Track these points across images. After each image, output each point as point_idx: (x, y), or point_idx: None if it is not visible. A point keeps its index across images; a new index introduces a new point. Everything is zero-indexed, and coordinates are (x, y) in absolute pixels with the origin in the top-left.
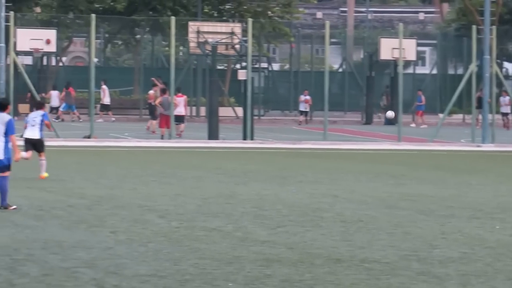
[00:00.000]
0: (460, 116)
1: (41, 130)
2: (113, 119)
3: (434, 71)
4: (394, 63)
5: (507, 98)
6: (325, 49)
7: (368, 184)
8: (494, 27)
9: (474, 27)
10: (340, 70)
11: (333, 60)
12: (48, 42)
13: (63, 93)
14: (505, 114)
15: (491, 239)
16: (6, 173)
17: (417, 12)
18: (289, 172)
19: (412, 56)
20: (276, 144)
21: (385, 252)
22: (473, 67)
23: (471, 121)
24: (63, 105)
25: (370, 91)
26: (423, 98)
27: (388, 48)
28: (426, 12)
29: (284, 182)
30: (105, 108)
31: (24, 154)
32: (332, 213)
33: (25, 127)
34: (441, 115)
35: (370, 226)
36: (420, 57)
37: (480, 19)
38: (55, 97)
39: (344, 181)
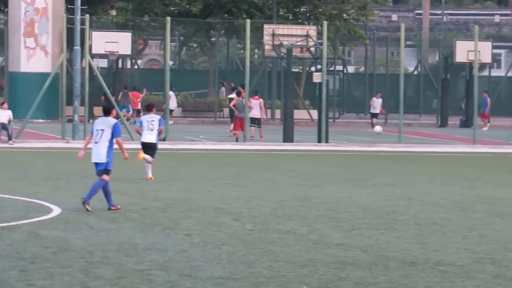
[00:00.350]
0: None
1: (158, 134)
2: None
3: (510, 74)
4: (469, 65)
5: None
6: (400, 52)
7: (443, 187)
8: None
9: None
10: (415, 72)
11: (408, 63)
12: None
13: (120, 95)
14: None
15: None
16: (105, 177)
17: (492, 15)
18: (363, 174)
19: (487, 59)
20: (350, 147)
21: (459, 255)
22: None
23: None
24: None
25: (445, 93)
26: (488, 100)
27: (463, 51)
28: (501, 15)
29: (358, 185)
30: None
31: (148, 157)
32: (407, 216)
33: (137, 131)
34: None
35: (445, 229)
36: (496, 59)
37: None
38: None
39: (419, 184)
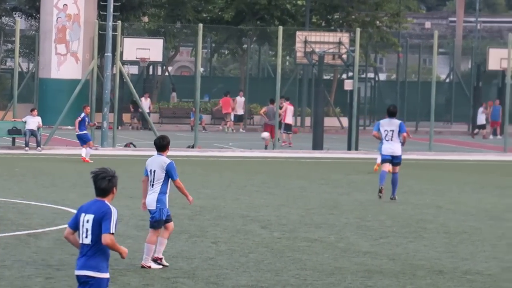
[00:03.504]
0: None
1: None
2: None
3: None
4: (502, 73)
5: None
6: (433, 59)
7: (473, 195)
8: None
9: None
10: (447, 80)
11: (440, 70)
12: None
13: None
14: None
15: None
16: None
17: None
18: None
19: None
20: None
21: (488, 264)
22: None
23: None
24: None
25: (477, 101)
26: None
27: (496, 58)
28: None
29: (388, 193)
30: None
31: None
32: (436, 224)
33: None
34: None
35: (473, 238)
36: None
37: None
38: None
39: (449, 192)
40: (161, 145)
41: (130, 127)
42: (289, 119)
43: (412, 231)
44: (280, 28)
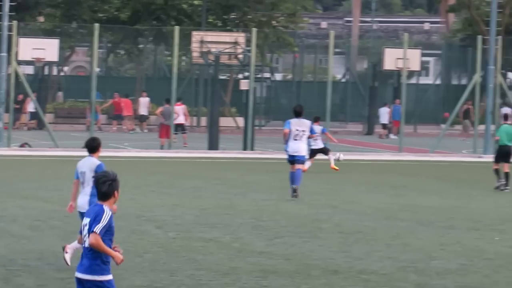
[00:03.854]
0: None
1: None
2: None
3: (438, 82)
4: (397, 73)
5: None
6: (329, 59)
7: (368, 195)
8: (500, 37)
9: (479, 37)
10: (343, 80)
11: (336, 70)
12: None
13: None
14: None
15: (490, 251)
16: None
17: (422, 22)
18: (288, 182)
19: (416, 67)
20: (276, 155)
21: (383, 263)
22: (477, 78)
23: (473, 132)
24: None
25: (373, 101)
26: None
27: (392, 58)
28: (431, 22)
29: (283, 193)
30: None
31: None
32: (331, 224)
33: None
34: (443, 126)
35: (368, 237)
36: (424, 67)
37: (486, 29)
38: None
39: (344, 192)
40: (92, 146)
41: (26, 127)
42: (180, 119)
43: (307, 231)
44: (176, 28)
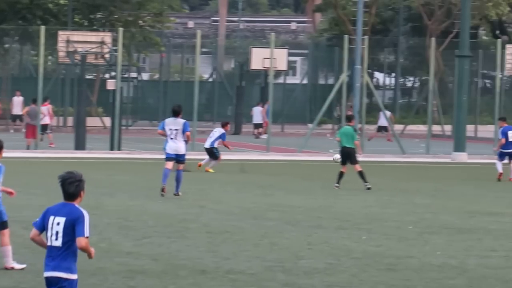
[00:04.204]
0: (330, 126)
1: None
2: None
3: (305, 81)
4: (265, 73)
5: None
6: (196, 59)
7: (235, 195)
8: (366, 37)
9: (346, 37)
10: (210, 80)
11: (203, 70)
12: None
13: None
14: (383, 128)
15: (357, 250)
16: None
17: (289, 22)
18: (155, 182)
19: (283, 66)
20: (143, 154)
21: (250, 263)
22: (344, 77)
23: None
24: None
25: (240, 101)
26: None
27: (259, 58)
28: (298, 22)
29: (150, 193)
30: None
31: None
32: (198, 224)
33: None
34: (310, 125)
35: (236, 237)
36: (291, 67)
37: (352, 29)
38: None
39: (211, 192)
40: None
41: None
42: (46, 120)
43: (175, 231)
44: (42, 27)
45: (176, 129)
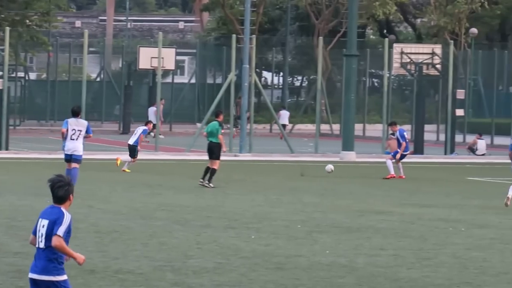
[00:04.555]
0: None
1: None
2: None
3: (193, 80)
4: (153, 72)
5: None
6: (84, 58)
7: (124, 194)
8: (254, 36)
9: (233, 36)
10: (98, 79)
11: (91, 69)
12: None
13: None
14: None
15: (247, 249)
16: None
17: (177, 21)
18: (44, 182)
19: (171, 65)
20: (31, 154)
21: (139, 262)
22: (232, 76)
23: (229, 131)
24: None
25: (128, 100)
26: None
27: (147, 57)
28: (186, 21)
29: (39, 193)
30: None
31: None
32: (87, 224)
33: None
34: (199, 125)
35: (124, 237)
36: (179, 66)
37: (240, 28)
38: None
39: (100, 191)
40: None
41: None
42: None
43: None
44: None
45: (79, 130)
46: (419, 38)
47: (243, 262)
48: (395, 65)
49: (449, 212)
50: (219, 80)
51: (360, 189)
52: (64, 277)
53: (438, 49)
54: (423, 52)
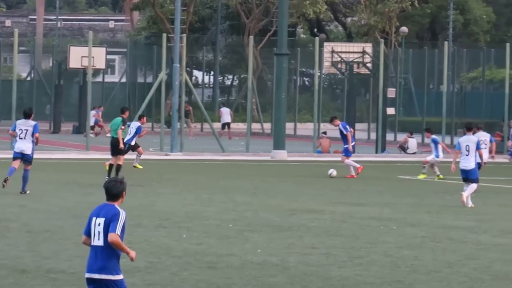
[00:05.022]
0: (149, 124)
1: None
2: None
3: (124, 80)
4: (83, 71)
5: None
6: (14, 58)
7: (56, 194)
8: (184, 35)
9: (164, 35)
10: (29, 78)
11: (21, 69)
12: None
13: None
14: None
15: (178, 248)
16: None
17: (107, 20)
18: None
19: (101, 65)
20: None
21: (71, 262)
22: (162, 75)
23: (160, 130)
24: None
25: (59, 99)
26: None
27: (77, 57)
28: (116, 20)
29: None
30: None
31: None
32: (19, 223)
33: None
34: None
35: (56, 236)
36: (110, 65)
37: (170, 27)
38: None
39: (31, 191)
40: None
41: None
42: None
43: None
44: None
45: (26, 129)
46: (349, 37)
47: (175, 261)
48: (326, 64)
49: (380, 210)
50: (149, 79)
51: (291, 188)
52: (121, 276)
53: (368, 48)
54: (353, 51)
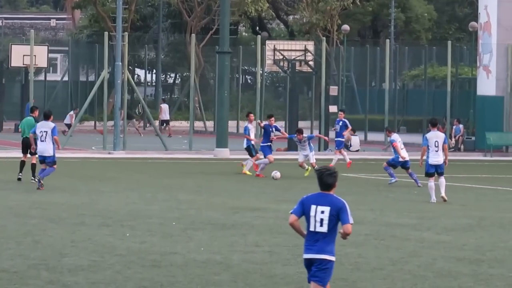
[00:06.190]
0: (92, 123)
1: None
2: None
3: (66, 78)
4: (25, 70)
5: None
6: None
7: None
8: (126, 34)
9: (106, 34)
10: None
11: None
12: None
13: None
14: (166, 122)
15: (122, 247)
16: None
17: (49, 19)
18: None
19: (43, 63)
20: None
21: (13, 261)
22: (105, 74)
23: (103, 128)
24: None
25: (0, 98)
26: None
27: (19, 55)
28: (58, 19)
29: None
30: None
31: None
32: None
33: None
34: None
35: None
36: (52, 64)
37: (112, 26)
38: None
39: None
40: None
41: None
42: None
43: None
44: None
45: (45, 131)
46: (291, 35)
47: (118, 260)
48: (268, 62)
49: None
50: (92, 78)
51: (234, 186)
52: (335, 257)
53: (310, 46)
54: (295, 49)
